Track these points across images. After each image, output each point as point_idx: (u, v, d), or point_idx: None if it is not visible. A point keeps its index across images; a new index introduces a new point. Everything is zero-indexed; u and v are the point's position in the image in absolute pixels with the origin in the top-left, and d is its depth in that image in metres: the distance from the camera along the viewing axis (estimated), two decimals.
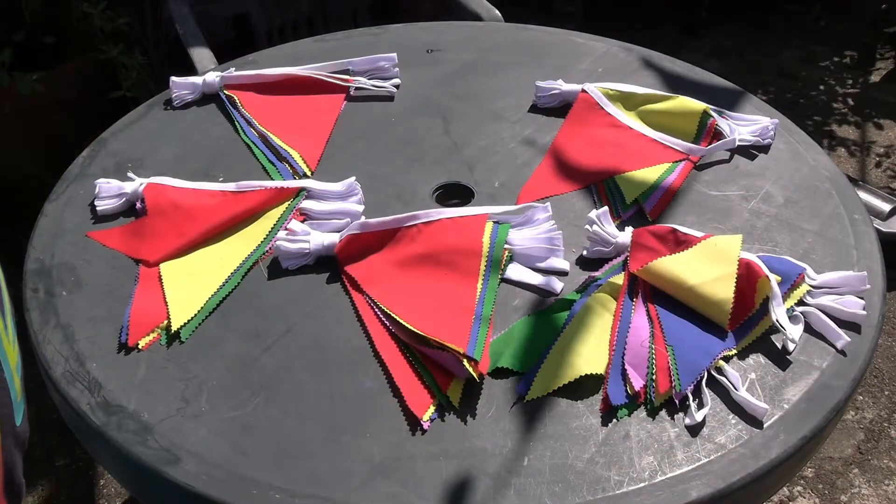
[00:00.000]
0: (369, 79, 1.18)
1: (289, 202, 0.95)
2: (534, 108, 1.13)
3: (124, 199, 0.95)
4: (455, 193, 1.00)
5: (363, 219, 0.91)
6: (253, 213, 0.93)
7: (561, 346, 0.77)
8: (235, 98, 1.13)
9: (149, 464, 0.68)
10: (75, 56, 1.92)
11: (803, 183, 0.99)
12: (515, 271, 0.87)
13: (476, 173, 1.01)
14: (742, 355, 0.78)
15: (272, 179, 0.99)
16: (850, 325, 0.80)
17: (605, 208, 0.89)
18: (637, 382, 0.74)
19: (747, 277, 0.81)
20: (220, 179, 0.99)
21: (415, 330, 0.77)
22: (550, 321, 0.81)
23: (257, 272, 0.87)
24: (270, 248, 0.89)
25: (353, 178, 0.96)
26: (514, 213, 0.92)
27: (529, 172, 1.01)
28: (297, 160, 1.02)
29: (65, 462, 1.53)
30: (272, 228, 0.92)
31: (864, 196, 1.91)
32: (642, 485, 0.67)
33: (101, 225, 0.93)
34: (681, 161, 1.02)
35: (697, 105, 1.07)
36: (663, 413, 0.73)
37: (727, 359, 0.77)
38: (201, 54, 1.49)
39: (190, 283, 0.85)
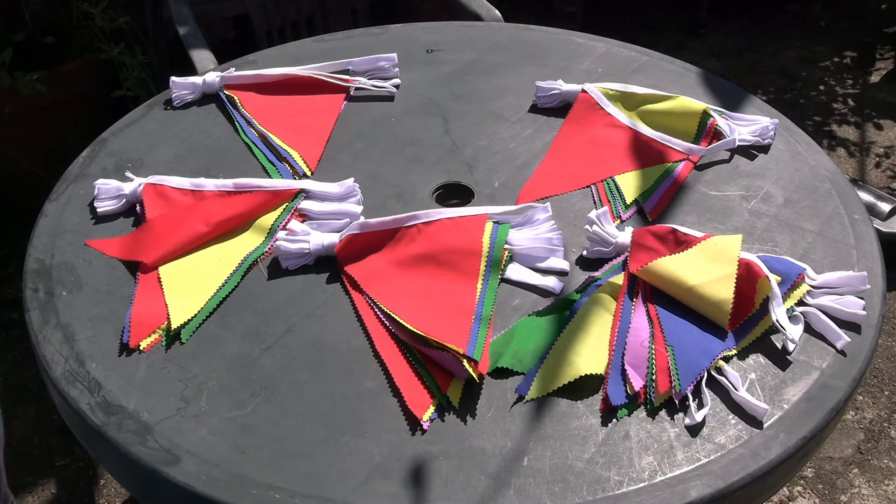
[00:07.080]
0: (369, 79, 1.18)
1: (287, 203, 0.95)
2: (534, 108, 1.13)
3: (123, 200, 0.94)
4: (455, 193, 1.00)
5: (363, 219, 0.91)
6: (252, 213, 0.93)
7: (561, 346, 0.77)
8: (235, 98, 1.13)
9: (149, 464, 0.68)
10: (75, 56, 1.92)
11: (803, 183, 0.99)
12: (515, 271, 0.87)
13: (476, 173, 1.01)
14: (742, 355, 0.78)
15: (272, 179, 0.99)
16: (850, 326, 0.80)
17: (605, 208, 0.89)
18: (637, 382, 0.74)
19: (747, 277, 0.81)
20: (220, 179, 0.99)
21: (415, 330, 0.77)
22: (550, 321, 0.81)
23: (257, 272, 0.87)
24: (270, 248, 0.90)
25: (351, 180, 0.96)
26: (514, 213, 0.92)
27: (529, 172, 1.01)
28: (297, 160, 1.02)
29: (65, 462, 1.53)
30: (272, 228, 0.92)
31: (864, 196, 1.91)
32: (642, 485, 0.67)
33: (101, 225, 0.93)
34: (681, 161, 1.02)
35: (697, 105, 1.07)
36: (663, 413, 0.73)
37: (727, 359, 0.77)
38: (201, 54, 1.49)
39: (190, 284, 0.85)
